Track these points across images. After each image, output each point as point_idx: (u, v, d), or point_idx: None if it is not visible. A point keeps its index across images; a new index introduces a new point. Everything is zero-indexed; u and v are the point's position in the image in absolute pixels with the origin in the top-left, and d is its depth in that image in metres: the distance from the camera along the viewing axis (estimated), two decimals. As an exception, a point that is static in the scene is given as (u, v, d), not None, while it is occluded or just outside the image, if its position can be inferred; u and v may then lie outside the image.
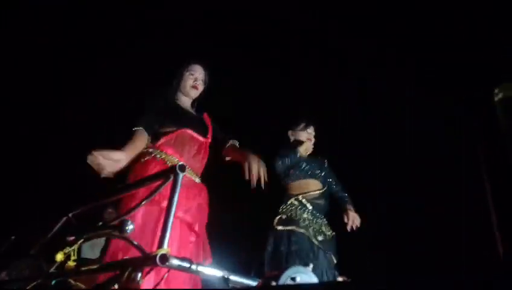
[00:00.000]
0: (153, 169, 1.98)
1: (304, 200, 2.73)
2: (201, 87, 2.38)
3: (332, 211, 2.86)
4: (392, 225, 3.23)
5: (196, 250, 2.04)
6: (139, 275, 1.24)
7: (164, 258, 1.17)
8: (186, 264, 1.24)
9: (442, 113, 3.16)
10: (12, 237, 2.02)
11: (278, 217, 2.71)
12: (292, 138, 2.94)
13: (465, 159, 2.75)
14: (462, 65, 3.00)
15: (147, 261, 1.19)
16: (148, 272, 1.28)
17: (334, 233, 2.78)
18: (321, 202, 2.78)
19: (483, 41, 2.92)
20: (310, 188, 2.79)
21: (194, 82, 2.36)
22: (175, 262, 1.20)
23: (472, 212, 2.65)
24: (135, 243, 1.29)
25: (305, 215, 2.68)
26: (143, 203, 1.38)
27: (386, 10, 3.39)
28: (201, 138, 2.24)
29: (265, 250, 2.65)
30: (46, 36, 3.53)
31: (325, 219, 2.77)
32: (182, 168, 1.28)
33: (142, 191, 1.73)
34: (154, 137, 2.15)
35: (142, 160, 2.05)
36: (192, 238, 2.03)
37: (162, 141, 2.12)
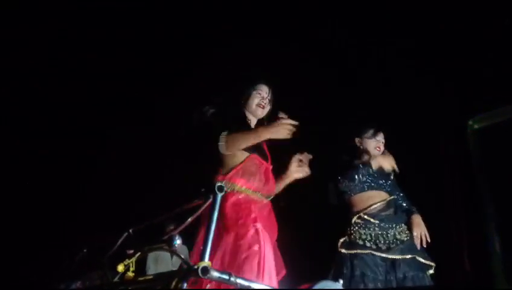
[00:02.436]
0: (230, 203, 2.05)
1: (366, 217, 2.62)
2: (267, 107, 2.36)
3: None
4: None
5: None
6: (185, 284, 1.39)
7: (205, 270, 1.31)
8: (226, 276, 1.37)
9: (416, 142, 3.04)
10: (85, 250, 2.26)
11: (341, 240, 2.64)
12: (359, 146, 2.80)
13: (438, 187, 2.63)
14: (438, 96, 2.88)
15: (191, 272, 1.33)
16: (194, 283, 1.43)
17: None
18: (389, 212, 2.65)
19: (460, 72, 2.79)
20: (372, 200, 2.66)
21: (260, 100, 2.33)
22: (215, 274, 1.34)
23: (443, 235, 2.54)
24: (181, 256, 1.45)
25: (371, 232, 2.58)
26: (188, 221, 1.53)
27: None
28: (265, 163, 2.26)
29: (329, 272, 2.58)
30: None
31: (400, 225, 2.62)
32: (220, 188, 1.42)
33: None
34: (224, 166, 2.18)
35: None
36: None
37: (232, 172, 2.14)
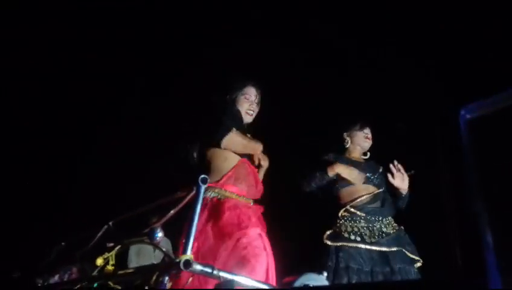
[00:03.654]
0: (228, 208, 2.01)
1: (353, 209, 2.63)
2: (256, 112, 2.31)
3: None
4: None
5: None
6: (166, 278, 1.36)
7: (187, 263, 1.28)
8: (209, 270, 1.33)
9: (407, 132, 3.10)
10: (63, 243, 2.20)
11: (328, 232, 2.65)
12: (348, 139, 2.86)
13: (428, 177, 2.69)
14: (428, 85, 2.94)
15: (172, 266, 1.30)
16: (176, 276, 1.40)
17: (401, 227, 2.66)
18: (375, 205, 2.67)
19: (452, 61, 2.86)
20: (359, 193, 2.68)
21: (249, 106, 2.28)
22: (198, 267, 1.31)
23: (434, 229, 2.59)
24: (163, 249, 1.41)
25: (357, 225, 2.58)
26: (170, 213, 1.49)
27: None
28: (253, 167, 2.23)
29: (315, 263, 2.59)
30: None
31: (386, 219, 2.64)
32: (204, 180, 1.38)
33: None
34: (216, 172, 2.14)
35: (209, 200, 2.05)
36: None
37: (224, 179, 2.10)
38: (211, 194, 2.06)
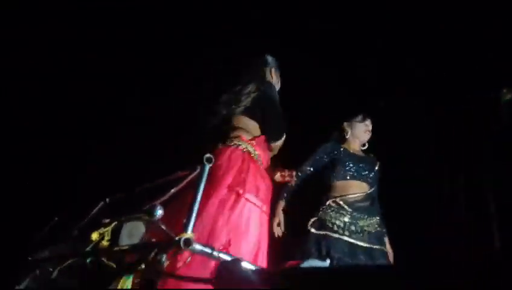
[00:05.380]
0: (254, 169, 2.04)
1: (341, 203, 2.61)
2: None
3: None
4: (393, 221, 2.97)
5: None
6: (164, 256, 1.32)
7: (188, 242, 1.24)
8: (208, 250, 1.30)
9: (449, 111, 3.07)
10: (56, 219, 2.15)
11: (312, 219, 2.62)
12: (348, 130, 2.84)
13: (469, 156, 2.67)
14: (471, 66, 2.91)
15: (172, 244, 1.26)
16: (173, 255, 1.36)
17: (383, 229, 2.66)
18: (365, 203, 2.65)
19: (494, 43, 2.82)
20: (353, 190, 2.66)
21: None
22: (198, 247, 1.27)
23: (472, 209, 2.58)
24: (163, 227, 1.37)
25: (341, 219, 2.56)
26: (171, 191, 1.46)
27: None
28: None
29: (297, 249, 2.56)
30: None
31: (371, 218, 2.63)
32: (209, 159, 1.34)
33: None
34: (251, 134, 2.19)
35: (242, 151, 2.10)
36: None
37: (257, 140, 2.16)
38: (245, 147, 2.11)
